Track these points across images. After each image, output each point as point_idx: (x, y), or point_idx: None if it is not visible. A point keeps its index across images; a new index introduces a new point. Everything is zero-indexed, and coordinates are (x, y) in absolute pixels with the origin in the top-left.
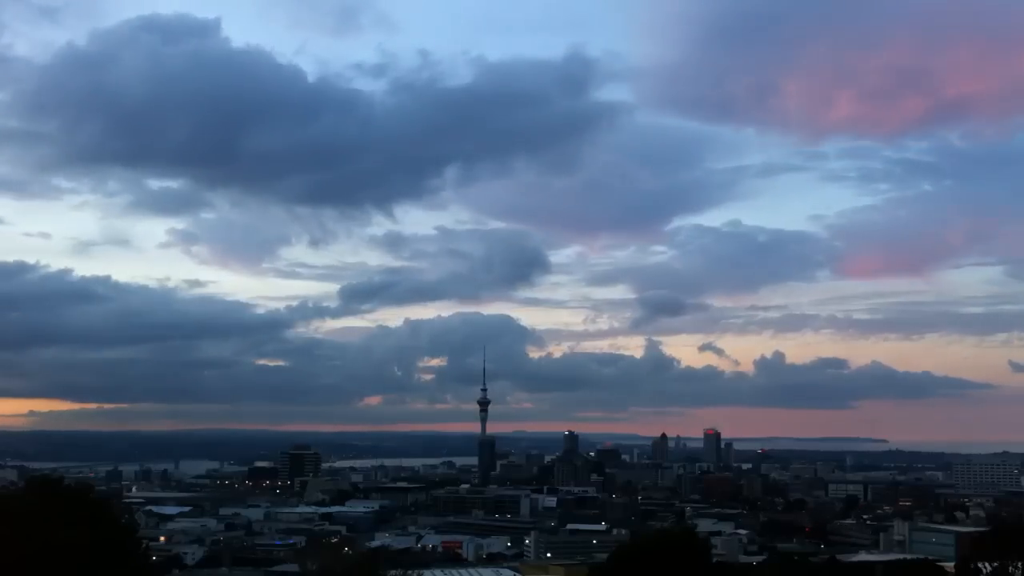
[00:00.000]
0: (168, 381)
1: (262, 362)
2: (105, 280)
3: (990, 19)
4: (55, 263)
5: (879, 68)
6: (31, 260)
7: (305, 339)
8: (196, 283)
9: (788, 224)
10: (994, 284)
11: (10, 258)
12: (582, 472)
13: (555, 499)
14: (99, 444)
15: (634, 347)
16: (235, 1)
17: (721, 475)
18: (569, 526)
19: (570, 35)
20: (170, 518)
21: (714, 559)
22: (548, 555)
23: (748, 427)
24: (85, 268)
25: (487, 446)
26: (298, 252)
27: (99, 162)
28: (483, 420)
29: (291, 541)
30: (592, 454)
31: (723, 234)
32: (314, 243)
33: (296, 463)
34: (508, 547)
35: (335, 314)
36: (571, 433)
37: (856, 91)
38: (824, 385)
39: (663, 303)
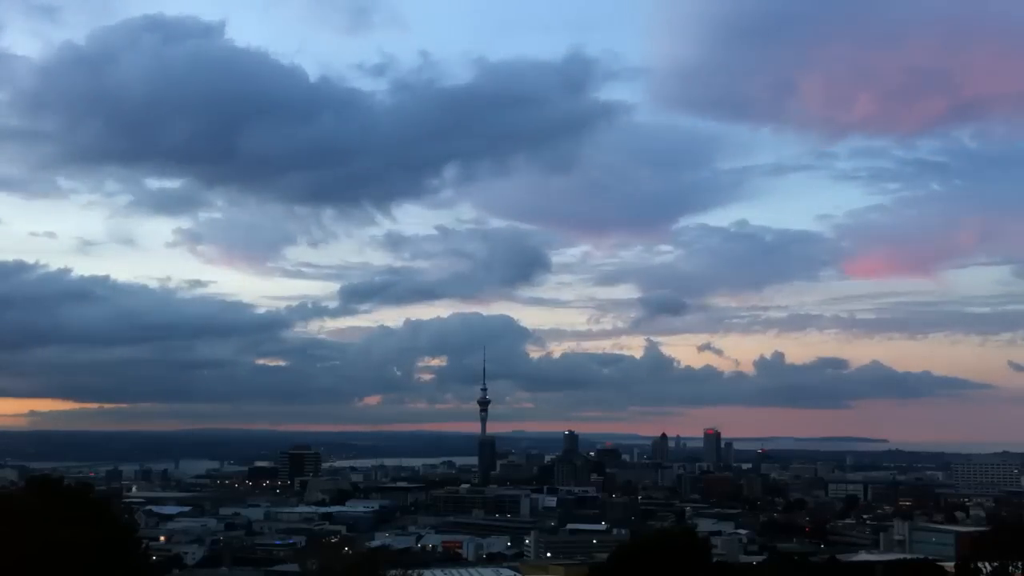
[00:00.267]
0: (168, 381)
1: (262, 362)
2: (104, 280)
3: (1009, 20)
4: (59, 263)
5: (893, 68)
6: (35, 259)
7: (305, 339)
8: (196, 283)
9: (796, 224)
10: (1001, 284)
11: (18, 257)
12: (582, 472)
13: (555, 499)
14: (99, 444)
15: (637, 347)
16: (241, 1)
17: (721, 475)
18: (569, 526)
19: (575, 35)
20: (170, 518)
21: (714, 559)
22: (548, 555)
23: (748, 427)
24: (88, 268)
25: (487, 446)
26: (299, 252)
27: (104, 162)
28: (483, 420)
29: (291, 541)
30: (592, 454)
31: (730, 234)
32: (315, 243)
33: (296, 463)
34: (508, 547)
35: (335, 314)
36: (571, 433)
37: (873, 91)
38: (824, 385)
39: (667, 303)
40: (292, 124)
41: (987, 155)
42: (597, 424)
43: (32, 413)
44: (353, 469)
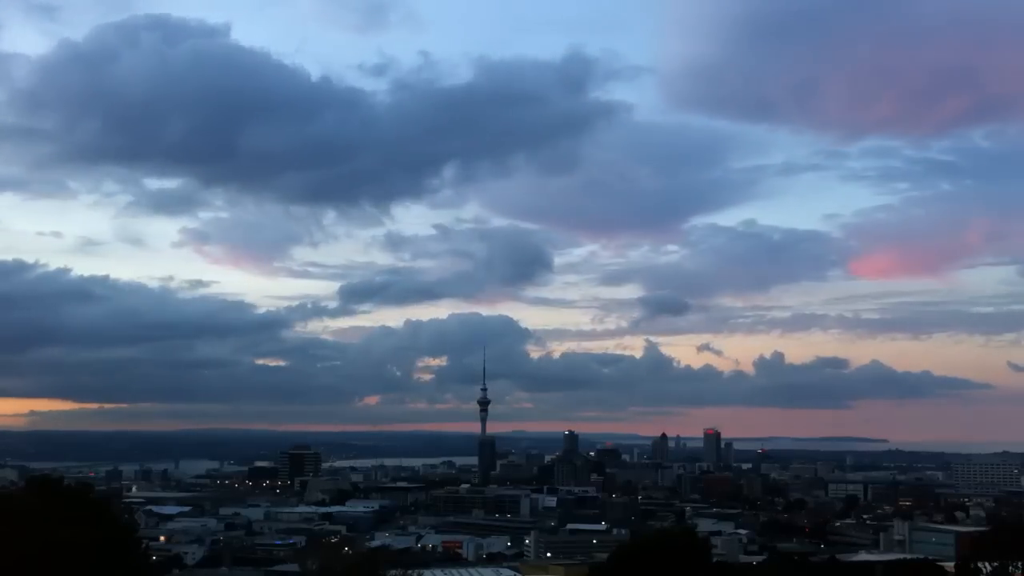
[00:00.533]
0: (168, 381)
1: (262, 362)
2: (103, 280)
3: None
4: (59, 262)
5: (910, 69)
6: (34, 259)
7: (305, 339)
8: (198, 283)
9: (804, 223)
10: (1007, 284)
11: (18, 257)
12: (582, 472)
13: (555, 499)
14: (99, 444)
15: (639, 347)
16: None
17: (721, 475)
18: (569, 526)
19: (581, 34)
20: (170, 518)
21: (714, 559)
22: (548, 555)
23: (748, 427)
24: (88, 267)
25: (487, 446)
26: (300, 252)
27: (107, 161)
28: (483, 420)
29: (291, 541)
30: (592, 454)
31: (737, 233)
32: (315, 243)
33: (296, 463)
34: (508, 547)
35: (335, 314)
36: (571, 433)
37: (888, 91)
38: (824, 385)
39: (670, 303)
40: (294, 124)
41: (999, 155)
42: (597, 424)
43: (32, 413)
44: (353, 469)
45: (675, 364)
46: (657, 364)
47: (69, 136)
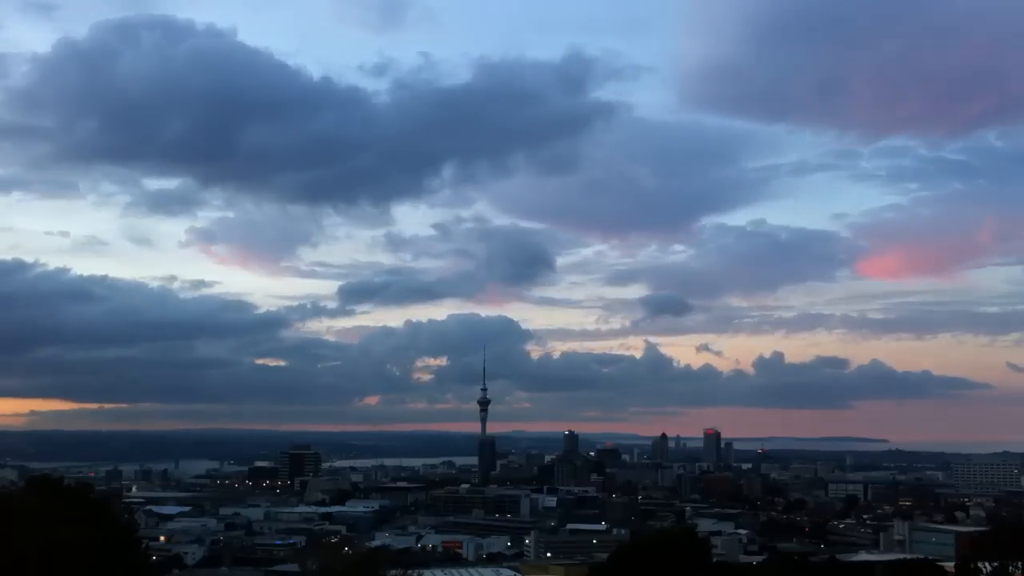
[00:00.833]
0: (168, 381)
1: (262, 362)
2: (103, 279)
3: None
4: (59, 262)
5: (927, 69)
6: (37, 259)
7: (305, 339)
8: (200, 283)
9: (814, 223)
10: (1014, 283)
11: (24, 257)
12: (582, 472)
13: (555, 499)
14: (99, 444)
15: (641, 347)
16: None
17: (721, 475)
18: (569, 526)
19: (594, 34)
20: (170, 518)
21: (714, 559)
22: (548, 555)
23: (748, 427)
24: (87, 267)
25: (487, 446)
26: (303, 252)
27: (106, 160)
28: (483, 420)
29: (291, 541)
30: (592, 454)
31: (746, 233)
32: (318, 243)
33: (296, 463)
34: (508, 547)
35: (336, 314)
36: (571, 433)
37: (904, 91)
38: (824, 385)
39: (674, 303)
40: (297, 123)
41: (1014, 155)
42: (597, 424)
43: (32, 413)
44: (353, 469)
45: (676, 364)
46: (658, 364)
47: (72, 136)
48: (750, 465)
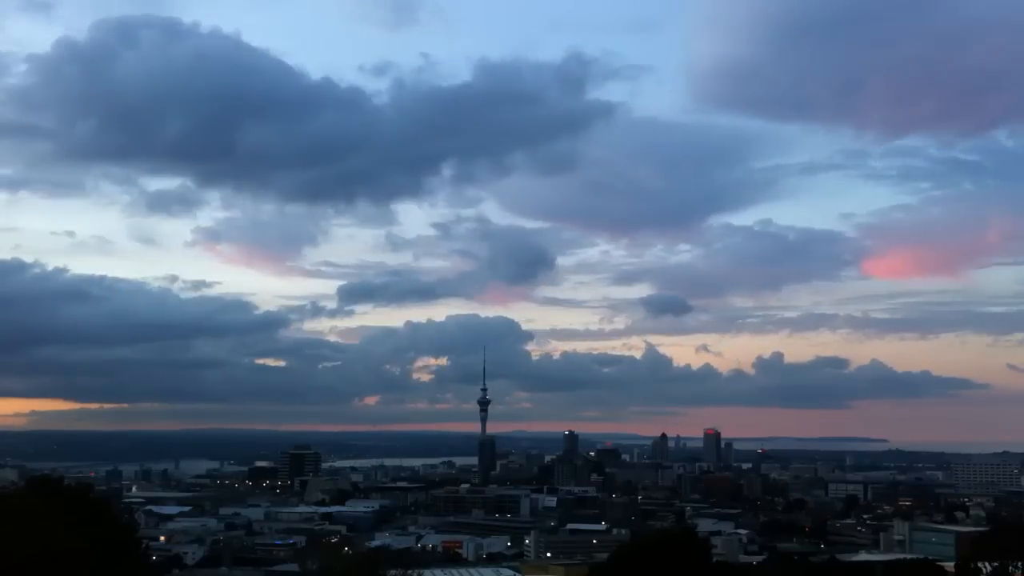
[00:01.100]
0: (168, 381)
1: (262, 362)
2: (101, 279)
3: None
4: (58, 262)
5: (941, 69)
6: (37, 258)
7: (306, 339)
8: (201, 283)
9: (822, 223)
10: (1021, 283)
11: (24, 257)
12: (582, 472)
13: (555, 499)
14: (99, 444)
15: (642, 347)
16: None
17: (721, 475)
18: (569, 526)
19: (605, 34)
20: (170, 518)
21: (714, 559)
22: (548, 555)
23: (748, 427)
24: (88, 267)
25: (487, 446)
26: (307, 252)
27: (104, 160)
28: (483, 420)
29: (291, 541)
30: (592, 454)
31: (753, 233)
32: (321, 243)
33: (296, 463)
34: (508, 547)
35: (336, 314)
36: (571, 433)
37: (920, 92)
38: (824, 385)
39: (677, 303)
40: (299, 124)
41: (1023, 154)
42: (597, 424)
43: (32, 413)
44: (353, 469)
45: (676, 364)
46: (658, 364)
47: (77, 135)
48: (750, 465)
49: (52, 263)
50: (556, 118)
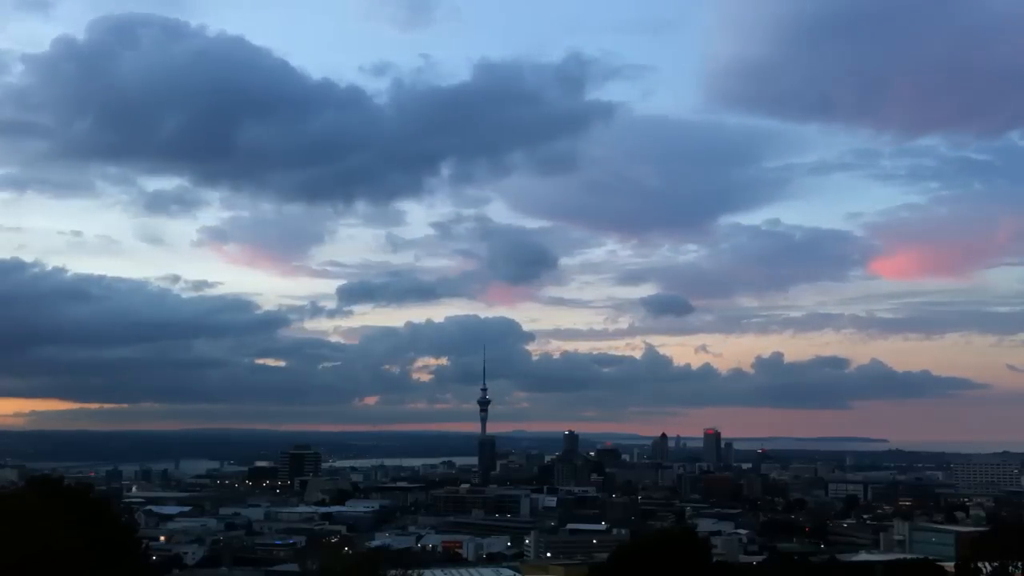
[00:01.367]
0: (168, 381)
1: (262, 362)
2: (100, 279)
3: None
4: (57, 262)
5: (955, 69)
6: (45, 259)
7: (306, 339)
8: (203, 283)
9: (830, 223)
10: None
11: (31, 256)
12: (582, 472)
13: (555, 499)
14: (99, 444)
15: (642, 347)
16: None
17: (721, 475)
18: (569, 526)
19: (623, 34)
20: (170, 518)
21: (714, 559)
22: (548, 555)
23: (748, 427)
24: (87, 267)
25: (487, 446)
26: (311, 251)
27: (102, 160)
28: (483, 420)
29: (291, 541)
30: (592, 454)
31: (760, 232)
32: (327, 242)
33: (296, 463)
34: (508, 547)
35: (336, 314)
36: (571, 433)
37: (927, 91)
38: (824, 385)
39: (681, 303)
40: (301, 124)
41: None
42: (597, 424)
43: (32, 413)
44: (353, 469)
45: (677, 364)
46: (659, 364)
47: (82, 135)
48: (750, 465)
49: (59, 263)
50: (561, 118)
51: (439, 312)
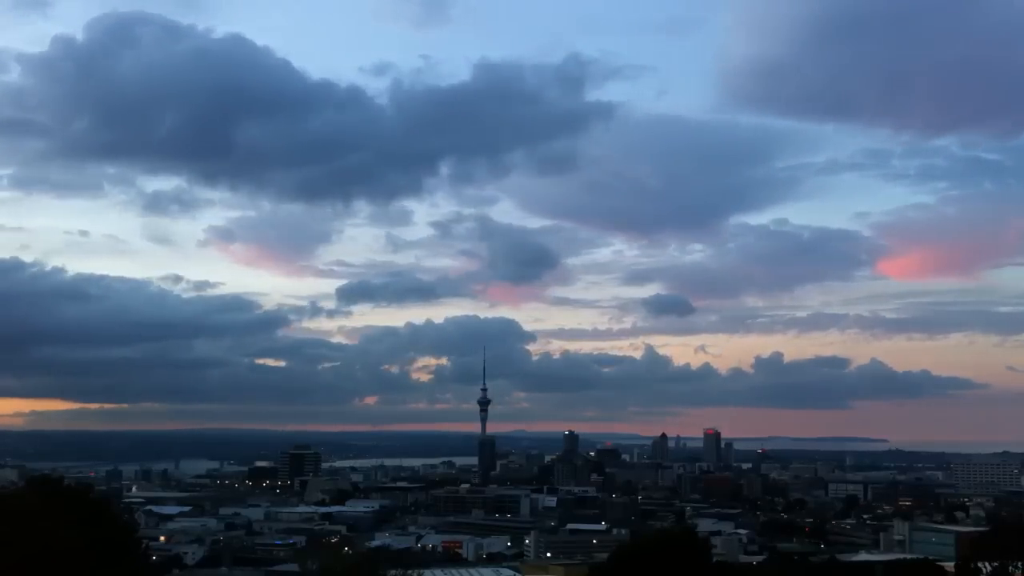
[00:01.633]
0: (168, 381)
1: (262, 362)
2: (100, 279)
3: None
4: (56, 262)
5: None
6: (46, 259)
7: (306, 339)
8: (205, 284)
9: (838, 222)
10: None
11: (33, 256)
12: (582, 472)
13: (555, 499)
14: (99, 444)
15: (642, 348)
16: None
17: (721, 475)
18: (569, 526)
19: (636, 34)
20: (170, 518)
21: (714, 559)
22: (548, 555)
23: (748, 427)
24: (86, 267)
25: (487, 446)
26: (318, 251)
27: (101, 160)
28: (483, 420)
29: (291, 541)
30: (592, 454)
31: (767, 232)
32: (334, 242)
33: (296, 463)
34: (508, 547)
35: (336, 314)
36: (571, 433)
37: (937, 91)
38: (824, 385)
39: (684, 303)
40: (301, 124)
41: None
42: (597, 424)
43: (32, 413)
44: (353, 469)
45: (677, 364)
46: (659, 364)
47: (86, 134)
48: (750, 465)
49: (62, 263)
50: (563, 118)
51: (440, 312)
